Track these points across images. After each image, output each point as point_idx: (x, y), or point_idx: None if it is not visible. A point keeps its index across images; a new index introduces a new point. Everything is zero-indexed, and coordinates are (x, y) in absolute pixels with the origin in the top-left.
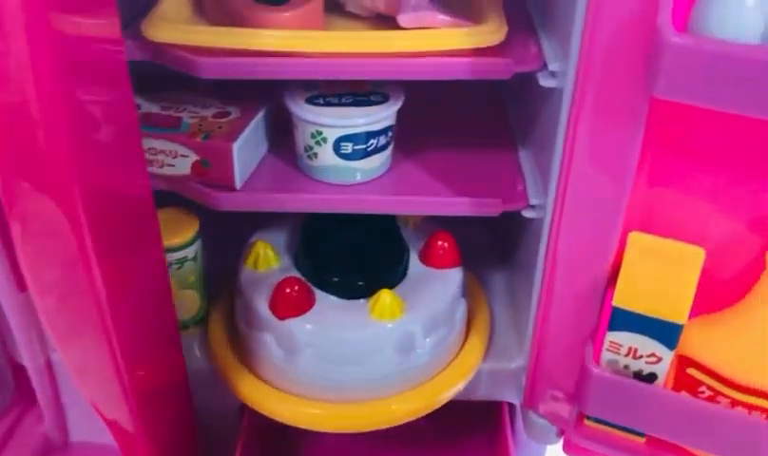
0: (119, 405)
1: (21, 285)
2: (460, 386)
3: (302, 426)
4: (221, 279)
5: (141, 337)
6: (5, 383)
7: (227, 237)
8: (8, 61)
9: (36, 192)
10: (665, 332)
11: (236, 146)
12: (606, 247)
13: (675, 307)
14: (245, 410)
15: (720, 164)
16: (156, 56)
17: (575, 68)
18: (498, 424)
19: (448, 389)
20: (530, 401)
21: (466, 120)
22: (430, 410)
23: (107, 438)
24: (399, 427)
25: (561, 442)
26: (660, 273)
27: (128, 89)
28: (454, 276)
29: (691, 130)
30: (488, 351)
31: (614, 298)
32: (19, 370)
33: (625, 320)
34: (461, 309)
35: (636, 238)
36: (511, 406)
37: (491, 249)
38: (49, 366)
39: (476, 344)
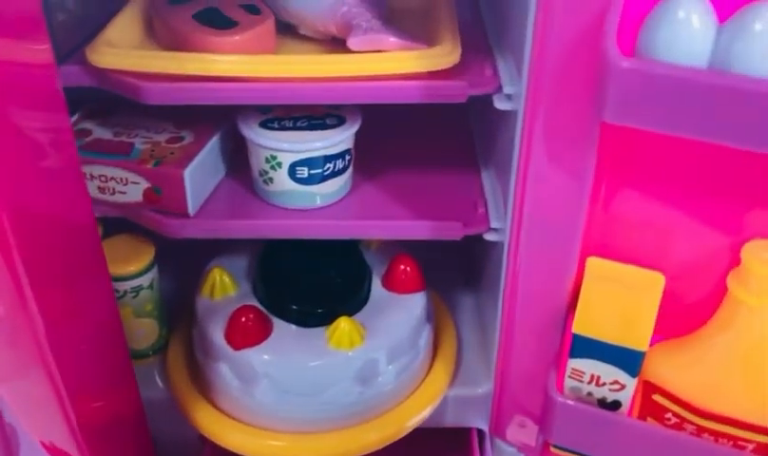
0: (68, 442)
1: None
2: (426, 413)
3: None
4: (182, 306)
5: (88, 371)
6: None
7: (187, 263)
8: None
9: None
10: (627, 360)
11: (187, 173)
12: (565, 272)
13: (636, 334)
14: (206, 441)
15: (677, 188)
16: (101, 82)
17: (526, 91)
18: (467, 451)
19: (413, 416)
20: (497, 428)
21: (428, 141)
22: (394, 439)
23: None
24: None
25: None
26: (619, 299)
27: (65, 115)
28: (418, 301)
29: (645, 154)
30: (454, 376)
31: (573, 325)
32: None
33: (586, 347)
34: (425, 334)
35: (594, 264)
36: (480, 432)
37: (458, 271)
38: None
39: (442, 369)
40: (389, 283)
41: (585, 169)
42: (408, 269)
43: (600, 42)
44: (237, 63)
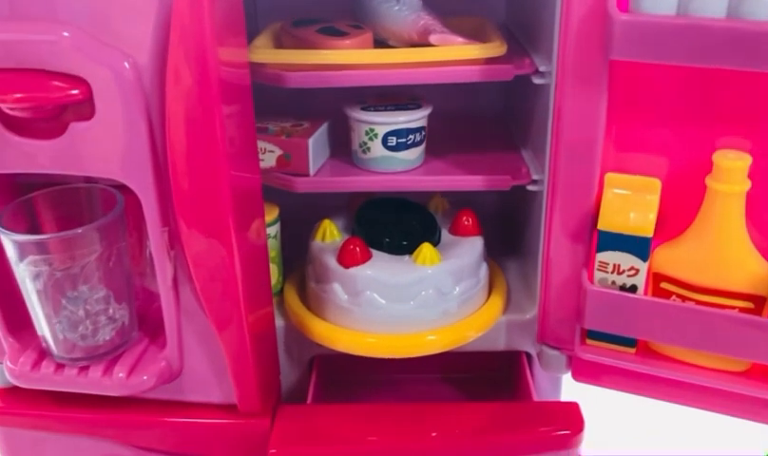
0: (237, 327)
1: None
2: (485, 329)
3: (361, 353)
4: (289, 263)
5: (255, 281)
6: (133, 324)
7: (291, 231)
8: (193, 78)
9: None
10: (639, 246)
11: (311, 141)
12: (590, 186)
13: (643, 224)
14: (314, 364)
15: (665, 118)
16: (254, 75)
17: (556, 54)
18: (519, 371)
19: (475, 330)
20: (543, 335)
21: (477, 127)
22: (460, 344)
23: (215, 373)
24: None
25: (570, 373)
26: (629, 200)
27: (250, 101)
28: (477, 241)
29: (641, 91)
30: (506, 307)
31: (598, 223)
32: (144, 316)
33: (608, 240)
34: (483, 268)
35: (611, 177)
36: (529, 356)
37: (502, 241)
38: (177, 299)
39: (497, 299)
40: (455, 230)
41: (599, 105)
42: (469, 219)
43: (605, 6)
44: (351, 55)
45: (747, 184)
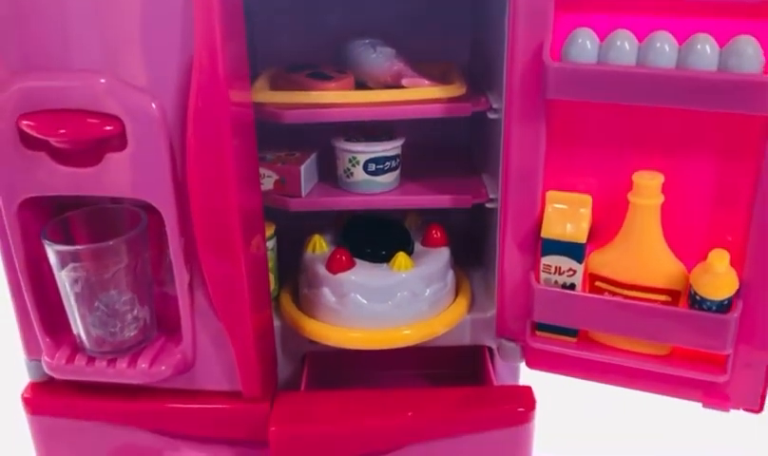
0: (243, 323)
1: (182, 236)
2: (452, 325)
3: (348, 346)
4: (284, 273)
5: (257, 287)
6: (153, 323)
7: (286, 247)
8: (210, 116)
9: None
10: (575, 251)
11: (303, 168)
12: (534, 202)
13: (577, 232)
14: (306, 360)
15: (591, 145)
16: (257, 113)
17: (504, 97)
18: (480, 365)
19: (443, 325)
20: (501, 330)
21: (446, 158)
22: (430, 338)
23: (223, 365)
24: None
25: (524, 362)
26: (566, 213)
27: (253, 132)
28: (445, 252)
29: (573, 124)
30: (470, 307)
31: (542, 232)
32: (162, 316)
33: (550, 246)
34: (450, 274)
35: (551, 195)
36: (491, 350)
37: (466, 255)
38: (192, 301)
39: (463, 300)
40: (426, 242)
41: (539, 136)
42: (438, 233)
43: (542, 57)
44: (336, 95)
45: (661, 198)
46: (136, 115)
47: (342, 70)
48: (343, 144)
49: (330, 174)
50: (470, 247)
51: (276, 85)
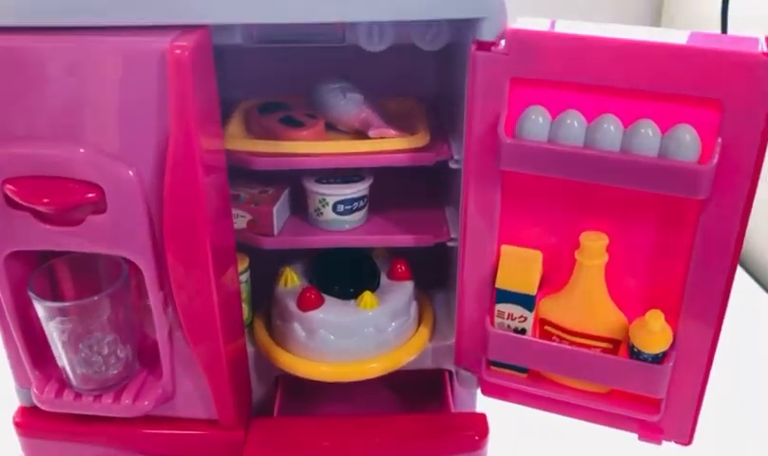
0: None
1: (161, 286)
2: (415, 354)
3: (317, 378)
4: (258, 301)
5: (230, 319)
6: (135, 359)
7: (259, 276)
8: (185, 178)
9: (189, 241)
10: (525, 300)
11: (275, 209)
12: (491, 254)
13: (528, 284)
14: (279, 381)
15: (541, 206)
16: (229, 158)
17: (464, 158)
18: (442, 386)
19: (407, 355)
20: (459, 360)
21: (412, 194)
22: (394, 369)
23: (200, 395)
24: (382, 384)
25: (479, 389)
26: (519, 266)
27: (225, 177)
28: (408, 285)
29: (526, 190)
30: (432, 334)
31: (496, 283)
32: (142, 350)
33: (504, 296)
34: (413, 306)
35: (505, 249)
36: (450, 373)
37: (431, 281)
38: (171, 342)
39: (425, 330)
40: (391, 275)
41: (495, 197)
42: (402, 267)
43: (497, 130)
44: (307, 146)
45: (605, 258)
46: (114, 183)
47: (313, 115)
48: (314, 186)
49: (301, 208)
50: (437, 271)
51: (248, 128)
